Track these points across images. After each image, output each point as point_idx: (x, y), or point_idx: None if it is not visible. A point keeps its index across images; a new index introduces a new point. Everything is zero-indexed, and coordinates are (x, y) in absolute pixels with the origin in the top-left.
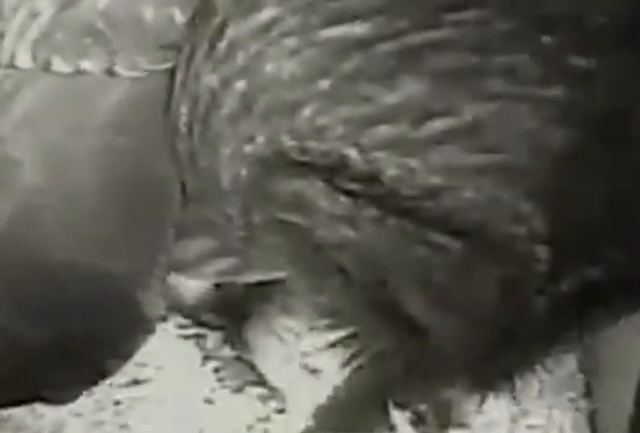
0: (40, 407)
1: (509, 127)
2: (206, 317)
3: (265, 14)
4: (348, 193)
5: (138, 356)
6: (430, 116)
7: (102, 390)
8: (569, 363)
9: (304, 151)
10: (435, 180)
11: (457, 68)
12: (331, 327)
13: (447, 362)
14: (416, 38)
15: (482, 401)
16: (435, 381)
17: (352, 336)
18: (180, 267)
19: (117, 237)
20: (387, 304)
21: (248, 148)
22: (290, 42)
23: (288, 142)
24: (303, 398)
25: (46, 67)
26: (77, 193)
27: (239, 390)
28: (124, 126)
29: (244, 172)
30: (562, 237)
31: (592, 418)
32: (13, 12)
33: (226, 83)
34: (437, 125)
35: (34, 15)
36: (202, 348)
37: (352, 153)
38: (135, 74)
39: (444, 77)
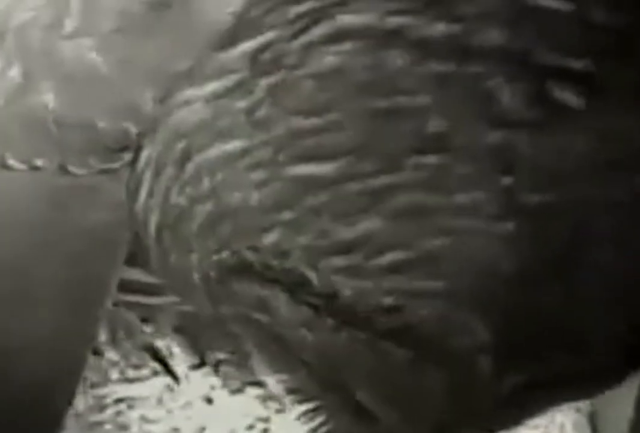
0: None
1: (461, 258)
2: None
3: (233, 145)
4: (308, 304)
5: (138, 356)
6: (384, 249)
7: (102, 390)
8: None
9: (267, 267)
10: (388, 301)
11: (415, 207)
12: (295, 402)
13: None
14: (378, 180)
15: None
16: None
17: (315, 411)
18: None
19: None
20: (343, 392)
21: (215, 258)
22: (258, 175)
23: (252, 258)
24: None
25: (2, 163)
26: None
27: (239, 390)
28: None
29: (212, 273)
30: (508, 347)
31: (593, 418)
32: None
33: (194, 203)
34: (392, 257)
35: None
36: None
37: (312, 275)
38: (86, 171)
39: (401, 216)
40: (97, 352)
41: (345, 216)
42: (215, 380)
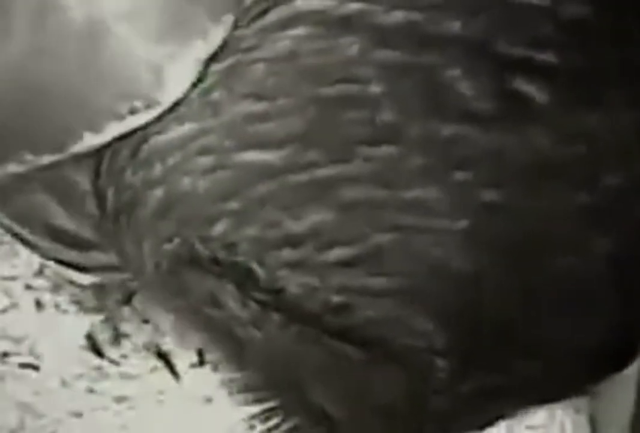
0: (39, 407)
1: (412, 255)
2: None
3: (187, 127)
4: (256, 300)
5: (137, 357)
6: (333, 243)
7: (102, 389)
8: None
9: (215, 261)
10: (336, 299)
11: (364, 201)
12: (251, 402)
13: None
14: (326, 171)
15: None
16: None
17: (271, 410)
18: None
19: None
20: (297, 392)
21: (167, 246)
22: (206, 160)
23: (201, 250)
24: None
25: None
26: None
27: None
28: None
29: (164, 264)
30: (463, 350)
31: (593, 418)
32: None
33: (146, 187)
34: (340, 252)
35: None
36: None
37: (258, 270)
38: None
39: (350, 209)
40: (98, 352)
41: (293, 207)
42: (215, 380)
